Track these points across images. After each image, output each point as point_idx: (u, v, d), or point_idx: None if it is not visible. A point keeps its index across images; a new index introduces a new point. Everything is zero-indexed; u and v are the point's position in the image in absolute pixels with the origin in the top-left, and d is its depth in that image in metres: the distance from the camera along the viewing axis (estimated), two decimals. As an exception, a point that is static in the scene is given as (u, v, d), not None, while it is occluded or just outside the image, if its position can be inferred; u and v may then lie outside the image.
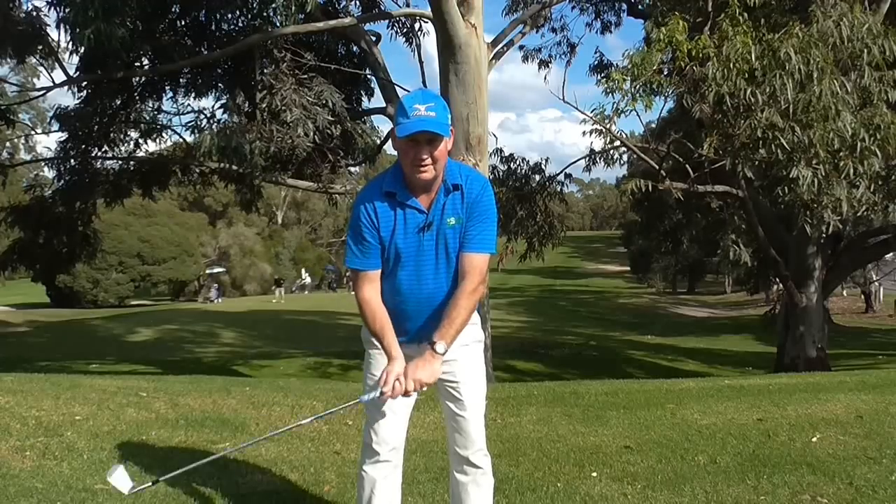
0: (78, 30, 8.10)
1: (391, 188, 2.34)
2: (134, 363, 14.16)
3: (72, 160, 11.55)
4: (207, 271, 45.98)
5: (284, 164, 10.66)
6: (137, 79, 11.03)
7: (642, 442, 4.25)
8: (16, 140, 33.41)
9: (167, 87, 11.28)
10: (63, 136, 11.36)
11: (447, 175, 2.34)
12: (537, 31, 13.56)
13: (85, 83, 10.70)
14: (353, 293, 2.52)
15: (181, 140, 12.30)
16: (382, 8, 11.77)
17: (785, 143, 7.49)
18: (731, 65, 7.62)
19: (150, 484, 2.44)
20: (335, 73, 10.38)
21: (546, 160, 12.86)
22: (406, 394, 2.25)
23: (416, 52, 12.06)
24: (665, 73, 8.82)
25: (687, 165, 10.12)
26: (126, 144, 11.77)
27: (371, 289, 2.38)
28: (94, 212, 12.57)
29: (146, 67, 10.80)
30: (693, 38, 8.24)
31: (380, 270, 2.38)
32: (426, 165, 2.25)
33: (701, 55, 8.05)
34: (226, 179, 12.23)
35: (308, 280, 48.96)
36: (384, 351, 2.34)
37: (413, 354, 2.42)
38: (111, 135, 11.42)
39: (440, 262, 2.37)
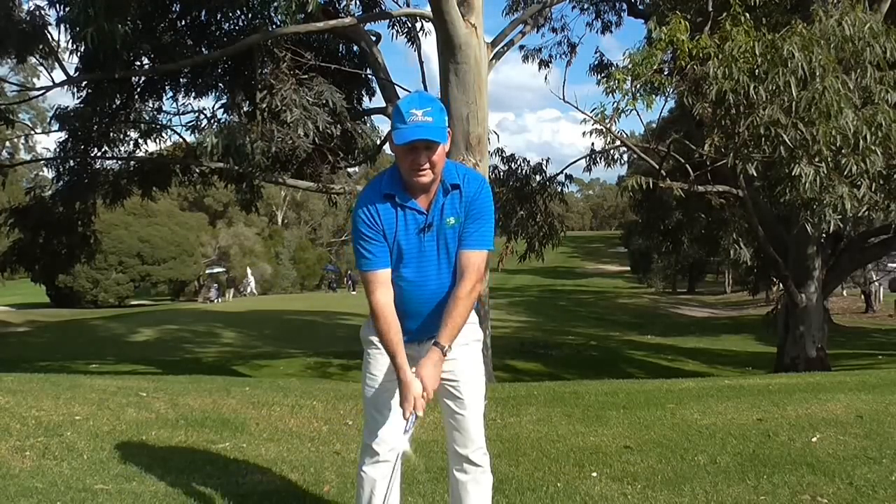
0: (79, 28, 8.10)
1: (389, 190, 2.33)
2: (134, 363, 14.14)
3: (71, 160, 11.53)
4: (207, 271, 45.83)
5: (284, 164, 10.66)
6: (137, 79, 11.02)
7: (642, 442, 4.24)
8: (16, 140, 33.49)
9: (167, 87, 11.25)
10: (63, 136, 11.34)
11: (445, 175, 2.34)
12: (537, 31, 13.54)
13: (85, 83, 10.68)
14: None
15: (181, 140, 12.31)
16: (383, 8, 11.76)
17: (787, 140, 7.47)
18: (734, 62, 7.62)
19: None
20: (335, 72, 10.36)
21: (547, 160, 12.87)
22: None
23: (417, 52, 12.07)
24: (666, 72, 8.82)
25: (687, 165, 10.13)
26: (126, 144, 11.74)
27: (386, 293, 2.35)
28: (94, 212, 12.53)
29: (146, 67, 10.78)
30: (694, 38, 8.25)
31: (390, 270, 2.36)
32: (424, 170, 2.25)
33: (702, 54, 8.05)
34: (226, 179, 12.21)
35: (252, 282, 45.36)
36: (396, 370, 2.31)
37: (413, 354, 2.42)
38: (111, 135, 11.40)
39: (442, 262, 2.38)
